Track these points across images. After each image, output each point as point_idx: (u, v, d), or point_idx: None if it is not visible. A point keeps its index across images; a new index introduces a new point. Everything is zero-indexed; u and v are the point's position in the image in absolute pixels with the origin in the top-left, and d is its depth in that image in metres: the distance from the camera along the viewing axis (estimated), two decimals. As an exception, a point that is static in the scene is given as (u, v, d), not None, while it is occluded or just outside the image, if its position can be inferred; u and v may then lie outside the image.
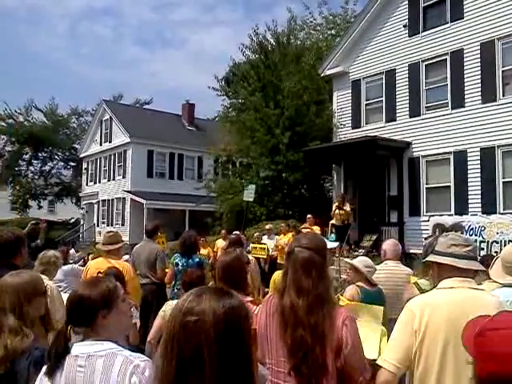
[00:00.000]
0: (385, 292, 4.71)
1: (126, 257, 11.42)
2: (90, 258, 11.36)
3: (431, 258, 2.35)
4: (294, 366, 2.18)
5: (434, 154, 13.59)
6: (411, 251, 12.56)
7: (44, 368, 1.86)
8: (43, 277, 3.78)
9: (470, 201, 12.70)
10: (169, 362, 1.20)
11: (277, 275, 5.29)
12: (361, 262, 4.27)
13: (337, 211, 13.20)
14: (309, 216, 12.55)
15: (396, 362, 2.10)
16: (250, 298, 2.92)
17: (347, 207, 13.10)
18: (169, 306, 3.99)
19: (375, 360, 3.31)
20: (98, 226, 27.85)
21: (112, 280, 2.04)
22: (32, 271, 3.09)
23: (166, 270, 6.16)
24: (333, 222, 13.24)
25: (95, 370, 1.75)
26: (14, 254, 3.41)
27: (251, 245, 11.44)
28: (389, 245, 4.97)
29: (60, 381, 1.79)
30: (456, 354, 2.03)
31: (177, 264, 5.76)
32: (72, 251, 12.42)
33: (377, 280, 4.76)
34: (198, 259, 5.77)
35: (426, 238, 5.68)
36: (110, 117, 27.70)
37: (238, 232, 12.13)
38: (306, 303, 2.22)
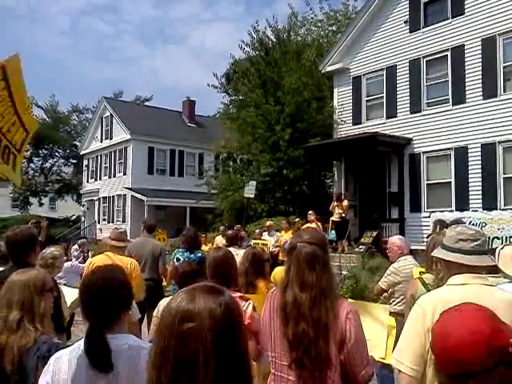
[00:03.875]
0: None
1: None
2: (90, 254, 11.38)
3: (437, 253, 2.28)
4: (296, 359, 2.18)
5: (435, 150, 13.58)
6: (412, 247, 12.48)
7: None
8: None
9: (470, 197, 12.69)
10: (163, 371, 1.13)
11: (277, 271, 5.28)
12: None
13: (334, 203, 13.18)
14: (310, 212, 12.53)
15: (412, 365, 1.99)
16: (239, 294, 2.95)
17: (345, 202, 13.07)
18: (162, 307, 3.92)
19: (383, 358, 3.30)
20: (98, 223, 27.91)
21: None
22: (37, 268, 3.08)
23: (167, 267, 6.17)
24: (333, 218, 13.24)
25: None
26: (29, 253, 3.39)
27: (253, 241, 11.45)
28: (401, 240, 5.17)
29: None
30: None
31: (178, 259, 5.71)
32: (75, 247, 12.44)
33: (405, 274, 4.74)
34: (200, 254, 5.76)
35: (427, 236, 5.67)
36: (111, 114, 27.69)
37: (239, 225, 12.14)
38: (309, 297, 2.22)
